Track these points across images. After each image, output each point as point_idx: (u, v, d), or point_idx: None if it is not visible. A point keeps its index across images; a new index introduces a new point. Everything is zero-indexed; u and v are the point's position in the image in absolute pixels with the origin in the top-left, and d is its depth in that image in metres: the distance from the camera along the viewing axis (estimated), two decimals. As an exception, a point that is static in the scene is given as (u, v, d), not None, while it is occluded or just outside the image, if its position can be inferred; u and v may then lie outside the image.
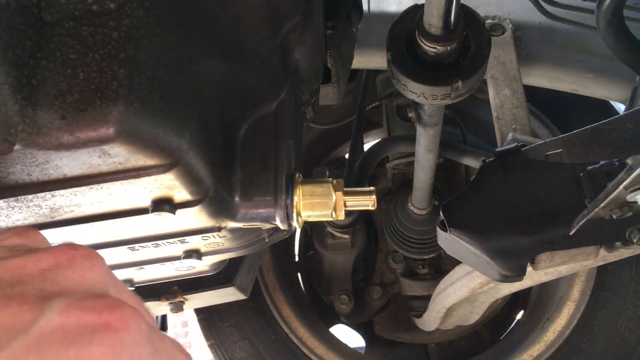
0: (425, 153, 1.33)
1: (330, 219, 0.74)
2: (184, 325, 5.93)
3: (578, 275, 1.69)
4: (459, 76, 0.93)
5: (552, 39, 1.32)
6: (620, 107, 1.86)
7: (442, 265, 1.95)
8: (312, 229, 1.95)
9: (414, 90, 0.96)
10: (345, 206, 0.73)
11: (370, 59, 1.40)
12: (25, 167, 0.51)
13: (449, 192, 1.85)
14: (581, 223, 0.87)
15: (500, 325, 2.13)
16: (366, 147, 1.88)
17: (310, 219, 0.74)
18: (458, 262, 1.52)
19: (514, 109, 1.18)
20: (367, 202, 0.74)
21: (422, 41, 0.89)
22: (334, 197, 0.72)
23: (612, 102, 1.78)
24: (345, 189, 0.74)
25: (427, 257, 1.87)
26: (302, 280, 2.15)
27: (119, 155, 0.51)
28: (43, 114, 0.46)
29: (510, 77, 1.22)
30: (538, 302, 1.92)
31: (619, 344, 1.62)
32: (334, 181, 0.73)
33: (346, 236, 1.75)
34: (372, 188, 0.74)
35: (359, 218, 1.71)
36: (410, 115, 1.69)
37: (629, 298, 1.65)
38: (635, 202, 0.83)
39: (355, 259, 1.97)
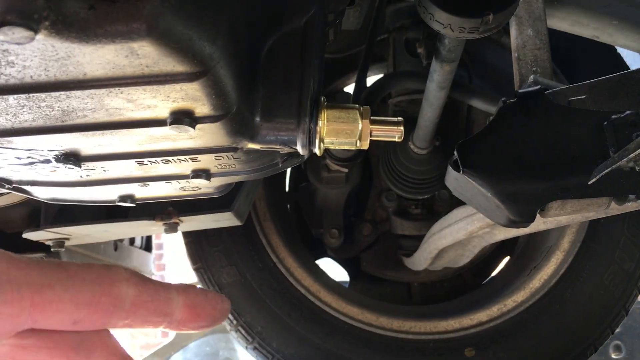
0: (436, 90, 1.29)
1: (353, 148, 0.70)
2: (158, 248, 5.97)
3: (570, 226, 1.69)
4: (491, 9, 0.88)
5: (579, -19, 1.26)
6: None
7: (435, 207, 1.94)
8: (307, 161, 1.91)
9: (441, 20, 0.91)
10: (370, 135, 0.70)
11: (387, -13, 1.33)
12: (44, 61, 0.46)
13: (450, 133, 1.81)
14: (604, 172, 0.85)
15: (484, 270, 2.15)
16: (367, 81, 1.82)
17: (332, 146, 0.70)
18: (452, 205, 1.51)
19: (536, 50, 1.13)
20: (394, 133, 0.70)
21: (455, -33, 0.84)
22: (360, 125, 0.68)
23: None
24: (372, 117, 0.70)
25: (421, 197, 1.85)
26: (292, 211, 2.13)
27: (148, 56, 0.47)
28: (70, 1, 0.41)
29: (534, 16, 1.16)
30: (525, 250, 1.94)
31: (603, 297, 1.64)
32: (361, 108, 0.69)
33: (345, 170, 1.72)
34: (400, 119, 0.71)
35: (361, 152, 1.68)
36: (419, 50, 1.64)
37: (617, 252, 1.66)
38: (662, 155, 0.81)
39: (348, 194, 1.95)
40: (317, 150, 0.70)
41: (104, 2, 0.42)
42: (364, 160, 1.96)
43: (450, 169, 0.99)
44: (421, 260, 1.70)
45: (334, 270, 2.14)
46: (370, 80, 1.78)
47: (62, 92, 0.51)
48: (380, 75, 1.91)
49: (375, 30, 1.54)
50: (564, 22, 1.29)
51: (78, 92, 0.51)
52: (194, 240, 1.76)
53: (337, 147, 0.70)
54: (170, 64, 0.48)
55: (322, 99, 0.70)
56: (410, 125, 1.68)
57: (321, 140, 0.69)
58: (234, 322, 1.72)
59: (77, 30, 0.42)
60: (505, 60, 1.65)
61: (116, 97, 0.53)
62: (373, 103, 1.56)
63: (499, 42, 1.75)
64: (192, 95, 0.55)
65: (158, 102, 0.55)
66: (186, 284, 0.47)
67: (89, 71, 0.48)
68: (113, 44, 0.44)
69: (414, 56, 1.70)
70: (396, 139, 0.71)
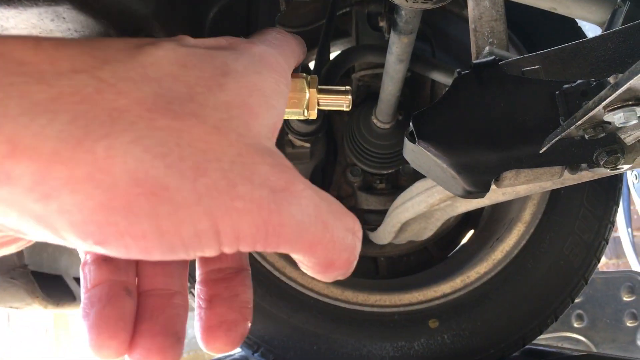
0: (396, 63, 1.29)
1: (301, 118, 0.69)
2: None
3: (531, 198, 1.71)
4: (444, -22, 0.88)
5: (536, -48, 1.26)
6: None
7: (399, 181, 1.95)
8: (271, 137, 1.90)
9: (394, -11, 0.90)
10: (318, 105, 0.69)
11: (346, -42, 1.32)
12: (-36, 24, 0.44)
13: (413, 108, 1.81)
14: (554, 141, 0.86)
15: (449, 244, 2.17)
16: (332, 56, 1.81)
17: (280, 116, 0.69)
18: (416, 179, 1.52)
19: (492, 21, 1.13)
20: (342, 102, 0.70)
21: None
22: (307, 94, 0.68)
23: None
24: (319, 86, 0.69)
25: (385, 172, 1.86)
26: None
27: (75, 20, 0.45)
28: None
29: (491, -13, 1.16)
30: (489, 223, 1.96)
31: (563, 267, 1.67)
32: (308, 77, 0.68)
33: (307, 144, 1.71)
34: (347, 87, 0.70)
35: (322, 126, 1.67)
36: (381, 24, 1.63)
37: (577, 223, 1.69)
38: (610, 123, 0.82)
39: (313, 170, 1.95)
40: (265, 121, 0.69)
41: (24, -38, 0.41)
42: (328, 136, 1.96)
43: (406, 140, 0.99)
44: (385, 234, 1.71)
45: (301, 246, 2.13)
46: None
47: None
48: (346, 50, 1.89)
49: (335, 3, 1.53)
50: (521, -6, 1.29)
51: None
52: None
53: (285, 117, 0.69)
54: (99, 28, 0.47)
55: (269, 68, 0.69)
56: (373, 100, 1.68)
57: (268, 110, 0.68)
58: (200, 299, 1.71)
59: (-5, -8, 0.41)
60: (469, 34, 1.65)
61: (48, 65, 0.52)
62: (334, 77, 1.55)
63: (461, 15, 1.75)
64: (128, 62, 0.53)
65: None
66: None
67: (15, 36, 0.47)
68: (36, 7, 0.43)
69: (376, 30, 1.70)
70: (344, 108, 0.70)
